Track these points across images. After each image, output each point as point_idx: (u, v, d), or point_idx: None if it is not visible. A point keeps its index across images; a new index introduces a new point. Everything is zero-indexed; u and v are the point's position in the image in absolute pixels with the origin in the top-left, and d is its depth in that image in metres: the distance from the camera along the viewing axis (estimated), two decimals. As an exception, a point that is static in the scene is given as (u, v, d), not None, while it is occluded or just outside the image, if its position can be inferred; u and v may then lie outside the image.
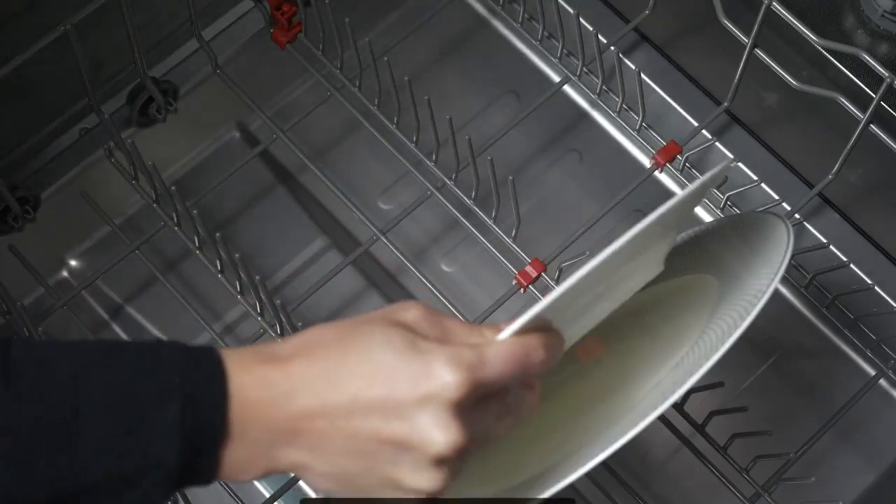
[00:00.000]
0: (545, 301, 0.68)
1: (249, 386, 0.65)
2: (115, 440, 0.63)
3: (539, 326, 0.70)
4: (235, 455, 0.66)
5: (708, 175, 0.77)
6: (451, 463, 0.67)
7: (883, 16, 1.02)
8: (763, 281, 0.81)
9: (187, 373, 0.65)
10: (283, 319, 1.01)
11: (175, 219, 1.05)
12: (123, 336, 1.14)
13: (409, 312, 0.69)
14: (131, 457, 0.63)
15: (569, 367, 0.88)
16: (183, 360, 0.65)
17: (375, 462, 0.67)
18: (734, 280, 0.84)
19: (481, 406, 0.68)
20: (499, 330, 0.70)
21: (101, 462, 0.63)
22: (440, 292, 1.05)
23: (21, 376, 0.63)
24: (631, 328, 0.90)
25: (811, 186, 1.08)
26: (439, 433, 0.65)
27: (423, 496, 0.68)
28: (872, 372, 1.11)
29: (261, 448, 0.66)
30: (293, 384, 0.66)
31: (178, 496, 0.96)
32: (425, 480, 0.67)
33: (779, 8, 0.98)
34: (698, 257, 0.93)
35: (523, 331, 0.69)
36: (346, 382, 0.66)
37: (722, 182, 1.13)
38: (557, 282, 1.05)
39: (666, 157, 1.09)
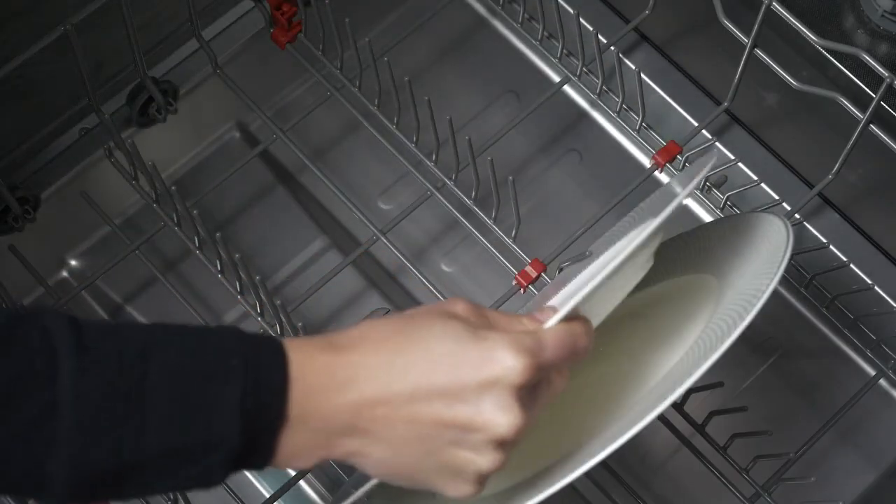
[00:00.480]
0: (584, 290, 0.70)
1: (311, 373, 0.66)
2: (180, 415, 0.63)
3: (574, 315, 0.72)
4: (294, 441, 0.66)
5: (705, 169, 0.77)
6: (510, 446, 0.69)
7: (883, 16, 1.02)
8: (763, 281, 0.81)
9: (250, 357, 0.65)
10: (283, 319, 1.01)
11: (175, 219, 1.05)
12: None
13: (458, 306, 0.71)
14: (194, 432, 0.64)
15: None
16: (245, 344, 0.66)
17: (436, 445, 0.68)
18: (734, 280, 0.84)
19: (534, 391, 0.70)
20: (534, 319, 0.71)
21: (165, 434, 0.63)
22: (440, 292, 1.05)
23: (91, 347, 0.63)
24: (631, 329, 0.90)
25: (811, 186, 1.08)
26: (504, 415, 0.67)
27: (481, 479, 0.69)
28: (872, 372, 1.11)
29: (320, 436, 0.67)
30: (355, 372, 0.67)
31: (178, 496, 0.96)
32: (487, 462, 0.68)
33: (779, 8, 0.98)
34: (697, 257, 0.93)
35: (566, 319, 0.71)
36: (408, 370, 0.67)
37: (722, 182, 1.13)
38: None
39: (666, 157, 1.09)
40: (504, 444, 0.69)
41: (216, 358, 0.65)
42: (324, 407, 0.66)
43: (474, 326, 0.69)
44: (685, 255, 0.94)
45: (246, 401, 0.64)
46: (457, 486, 0.70)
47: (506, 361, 0.67)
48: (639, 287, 0.82)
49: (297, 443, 0.67)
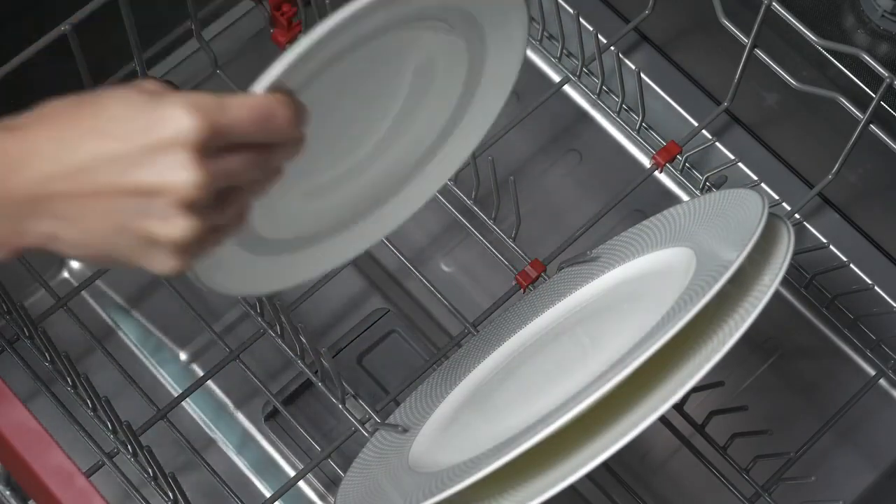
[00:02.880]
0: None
1: None
2: None
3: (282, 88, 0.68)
4: None
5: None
6: (202, 210, 0.65)
7: (883, 16, 1.02)
8: (764, 281, 0.81)
9: None
10: (284, 320, 1.01)
11: (175, 219, 1.05)
12: (126, 340, 1.15)
13: (148, 81, 0.68)
14: None
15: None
16: None
17: (124, 217, 0.65)
18: (734, 281, 0.84)
19: (227, 155, 0.66)
20: None
21: None
22: (440, 292, 1.05)
23: None
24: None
25: (811, 186, 1.08)
26: (183, 173, 0.64)
27: (177, 249, 0.66)
28: (872, 372, 1.11)
29: (7, 222, 0.65)
30: (27, 149, 0.65)
31: (178, 496, 0.96)
32: (176, 228, 0.65)
33: (779, 8, 0.98)
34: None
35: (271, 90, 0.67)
36: (82, 140, 0.64)
37: (722, 182, 1.13)
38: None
39: (666, 157, 1.09)
40: (192, 207, 0.64)
41: None
42: (2, 189, 0.64)
43: (154, 93, 0.66)
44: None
45: None
46: (159, 260, 0.66)
47: (178, 120, 0.64)
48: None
49: None
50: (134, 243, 0.66)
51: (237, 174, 0.66)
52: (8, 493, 0.85)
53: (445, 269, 1.19)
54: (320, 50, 0.68)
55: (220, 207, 0.66)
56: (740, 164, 1.11)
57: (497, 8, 0.76)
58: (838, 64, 1.02)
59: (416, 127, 0.82)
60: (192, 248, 0.66)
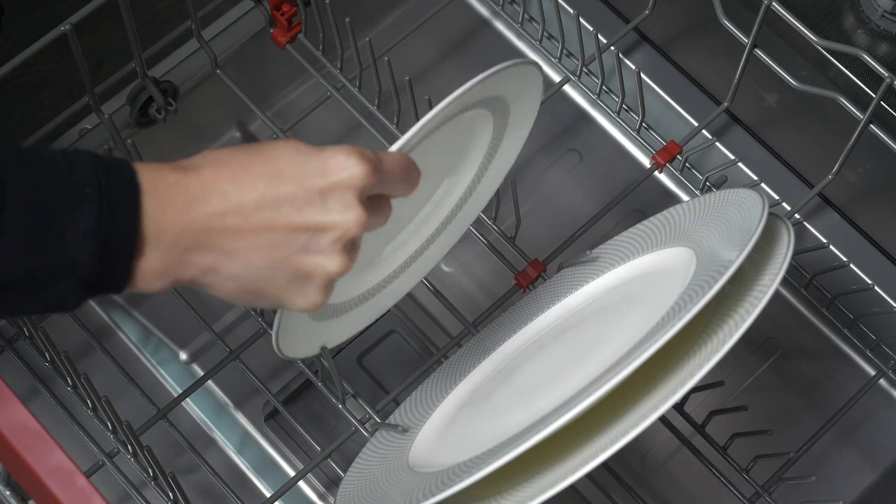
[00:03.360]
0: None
1: (164, 189, 0.69)
2: (31, 240, 0.65)
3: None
4: (149, 261, 0.68)
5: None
6: (355, 247, 0.73)
7: (883, 16, 1.02)
8: (763, 281, 0.81)
9: (102, 178, 0.67)
10: (284, 319, 1.01)
11: (175, 219, 1.05)
12: (126, 340, 1.15)
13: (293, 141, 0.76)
14: (45, 257, 0.65)
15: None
16: (96, 166, 0.67)
17: (286, 253, 0.71)
18: (734, 281, 0.84)
19: (375, 202, 0.75)
20: None
21: (18, 260, 0.65)
22: (440, 292, 1.05)
23: None
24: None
25: (811, 186, 1.08)
26: (349, 213, 0.71)
27: (326, 285, 0.73)
28: (872, 372, 1.11)
29: (174, 252, 0.69)
30: (204, 187, 0.70)
31: (178, 496, 0.96)
32: (335, 263, 0.72)
33: (779, 8, 0.98)
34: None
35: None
36: (256, 182, 0.70)
37: (722, 182, 1.13)
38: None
39: (666, 157, 1.09)
40: (350, 244, 0.72)
41: (67, 183, 0.66)
42: (176, 221, 0.69)
43: (312, 146, 0.73)
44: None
45: (99, 223, 0.66)
46: (307, 295, 0.73)
47: (349, 165, 0.71)
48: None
49: (152, 260, 0.68)
50: (288, 277, 0.72)
51: (377, 218, 0.75)
52: (8, 493, 0.85)
53: (445, 269, 1.19)
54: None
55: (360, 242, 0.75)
56: (740, 164, 1.11)
57: (519, 83, 0.87)
58: (838, 64, 1.02)
59: (456, 190, 0.92)
60: (341, 276, 0.73)
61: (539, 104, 0.91)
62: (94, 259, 0.66)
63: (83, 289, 0.67)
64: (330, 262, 0.72)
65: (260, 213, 0.70)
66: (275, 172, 0.71)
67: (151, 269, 0.68)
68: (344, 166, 0.71)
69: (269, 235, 0.70)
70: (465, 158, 0.90)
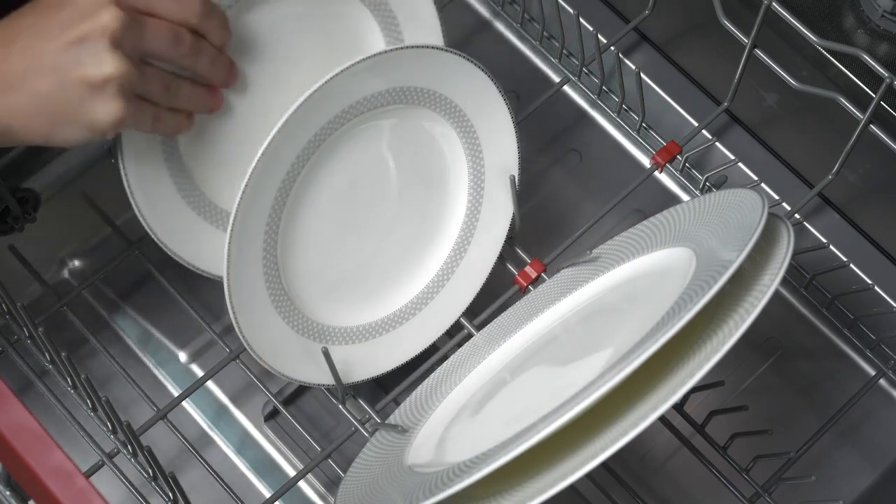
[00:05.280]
0: None
1: None
2: None
3: None
4: None
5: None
6: (123, 45, 0.79)
7: (883, 16, 1.02)
8: (763, 281, 0.81)
9: None
10: (284, 319, 1.01)
11: (175, 219, 1.05)
12: (125, 336, 1.15)
13: None
14: None
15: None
16: None
17: (63, 72, 0.78)
18: (734, 281, 0.84)
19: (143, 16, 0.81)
20: None
21: None
22: (440, 292, 1.05)
23: None
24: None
25: (811, 186, 1.08)
26: (105, 14, 0.78)
27: (116, 91, 0.79)
28: (872, 372, 1.11)
29: None
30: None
31: (178, 496, 0.96)
32: (107, 65, 0.78)
33: (779, 8, 0.98)
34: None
35: None
36: (25, 17, 0.80)
37: (722, 182, 1.13)
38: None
39: (666, 157, 1.09)
40: (119, 43, 0.79)
41: None
42: None
43: None
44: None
45: None
46: (103, 105, 0.80)
47: None
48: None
49: None
50: (79, 94, 0.79)
51: (153, 35, 0.81)
52: (8, 493, 0.85)
53: (445, 269, 1.19)
54: None
55: (144, 76, 0.81)
56: (740, 164, 1.11)
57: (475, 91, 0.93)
58: (838, 64, 1.02)
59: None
60: (130, 97, 0.80)
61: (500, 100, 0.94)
62: None
63: None
64: (103, 65, 0.78)
65: (27, 43, 0.78)
66: (42, 7, 0.79)
67: None
68: None
69: (41, 60, 0.78)
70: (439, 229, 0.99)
